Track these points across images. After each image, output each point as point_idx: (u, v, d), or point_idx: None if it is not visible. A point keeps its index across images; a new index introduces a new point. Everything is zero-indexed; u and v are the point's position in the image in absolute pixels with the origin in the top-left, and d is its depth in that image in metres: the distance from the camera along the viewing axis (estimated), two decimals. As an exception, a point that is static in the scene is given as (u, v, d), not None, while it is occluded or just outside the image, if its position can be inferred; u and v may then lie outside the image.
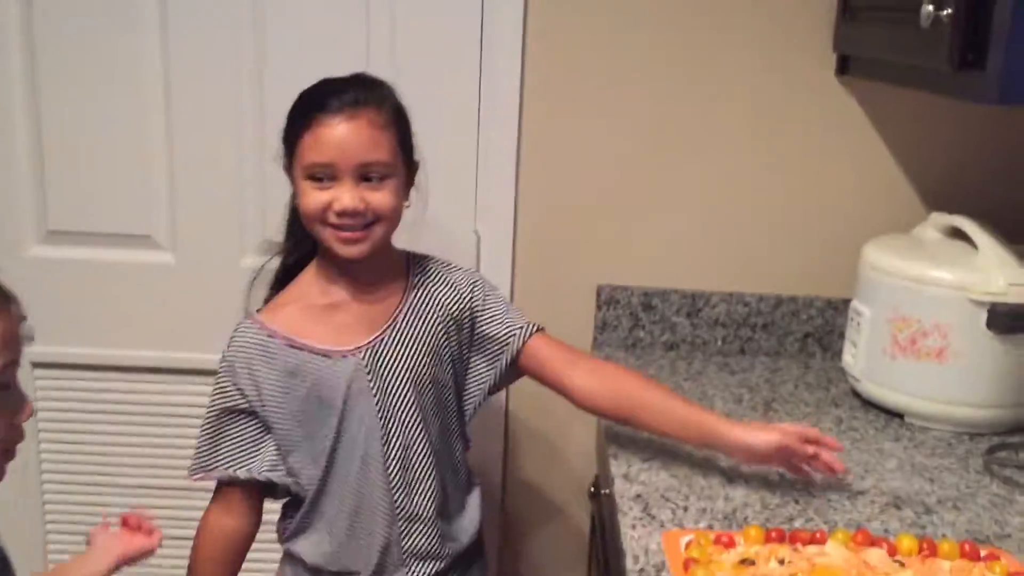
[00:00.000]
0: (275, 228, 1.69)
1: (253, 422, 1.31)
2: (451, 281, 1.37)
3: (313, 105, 1.24)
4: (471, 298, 1.37)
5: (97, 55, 1.67)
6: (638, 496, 1.23)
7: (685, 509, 1.20)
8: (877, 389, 1.50)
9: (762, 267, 1.73)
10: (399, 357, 1.31)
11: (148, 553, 1.28)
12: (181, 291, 1.76)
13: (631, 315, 1.75)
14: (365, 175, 1.24)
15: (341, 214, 1.23)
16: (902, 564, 1.06)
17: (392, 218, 1.28)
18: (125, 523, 1.29)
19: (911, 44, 1.28)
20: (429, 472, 1.33)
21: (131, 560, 1.26)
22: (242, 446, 1.31)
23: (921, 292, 1.42)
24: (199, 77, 1.67)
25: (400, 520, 1.32)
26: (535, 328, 1.37)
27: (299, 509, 1.34)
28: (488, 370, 1.38)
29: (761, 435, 1.22)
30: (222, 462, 1.31)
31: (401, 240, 1.37)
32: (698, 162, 1.70)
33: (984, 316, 1.38)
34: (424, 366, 1.32)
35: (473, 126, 1.69)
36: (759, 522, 1.17)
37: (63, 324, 1.77)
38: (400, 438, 1.31)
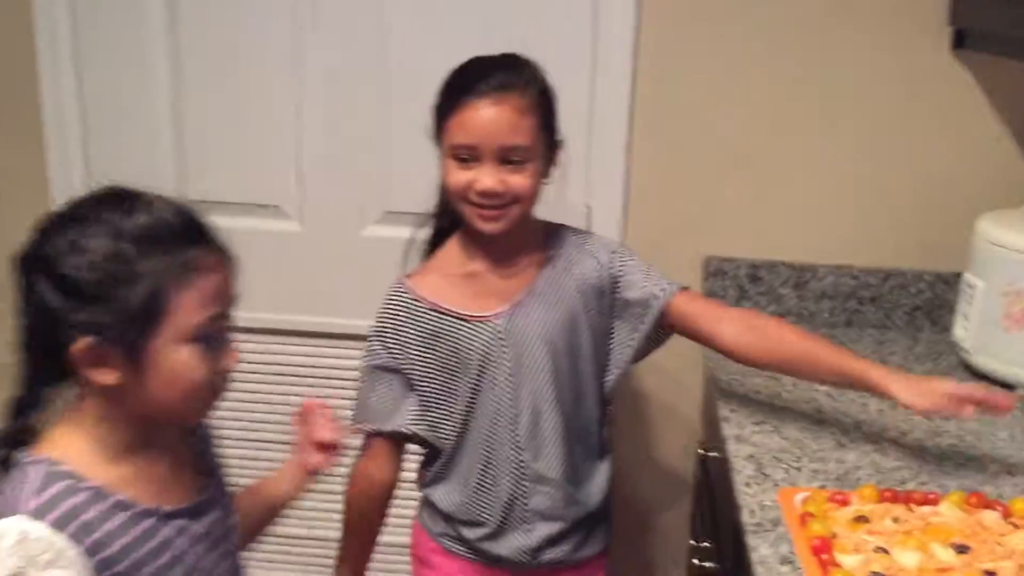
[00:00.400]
0: (396, 201, 1.81)
1: (399, 379, 1.39)
2: (589, 250, 1.41)
3: (461, 87, 1.29)
4: (610, 265, 1.40)
5: (233, 33, 1.77)
6: (751, 456, 1.28)
7: (798, 469, 1.24)
8: (989, 362, 1.51)
9: (870, 240, 1.75)
10: (534, 325, 1.36)
11: (330, 462, 1.28)
12: (306, 258, 1.86)
13: (738, 286, 1.78)
14: (506, 158, 1.28)
15: (482, 194, 1.29)
16: (1015, 526, 1.09)
17: (530, 198, 1.33)
18: (307, 410, 1.30)
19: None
20: (558, 437, 1.38)
21: (318, 471, 1.28)
22: (389, 402, 1.39)
23: (1037, 265, 1.43)
24: (328, 51, 1.76)
25: (526, 480, 1.38)
26: (678, 288, 1.40)
27: (437, 460, 1.42)
28: (631, 334, 1.41)
29: (921, 399, 1.19)
30: (370, 417, 1.40)
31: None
32: (808, 136, 1.72)
33: (1102, 289, 1.39)
34: (559, 334, 1.37)
35: (586, 102, 1.73)
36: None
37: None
38: (531, 402, 1.37)
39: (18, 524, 0.90)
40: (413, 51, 1.75)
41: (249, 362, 1.92)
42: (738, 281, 1.78)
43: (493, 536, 1.40)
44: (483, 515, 1.40)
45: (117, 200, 0.97)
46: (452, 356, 1.37)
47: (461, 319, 1.37)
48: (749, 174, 1.75)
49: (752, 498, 1.17)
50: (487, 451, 1.39)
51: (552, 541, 1.41)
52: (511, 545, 1.41)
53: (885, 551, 1.02)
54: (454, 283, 1.38)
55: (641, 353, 1.43)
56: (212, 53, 1.79)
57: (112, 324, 0.93)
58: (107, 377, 0.95)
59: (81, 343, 0.93)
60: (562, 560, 1.43)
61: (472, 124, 1.27)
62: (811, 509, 1.11)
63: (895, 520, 1.09)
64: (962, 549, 1.03)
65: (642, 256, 1.75)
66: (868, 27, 1.66)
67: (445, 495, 1.42)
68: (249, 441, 1.96)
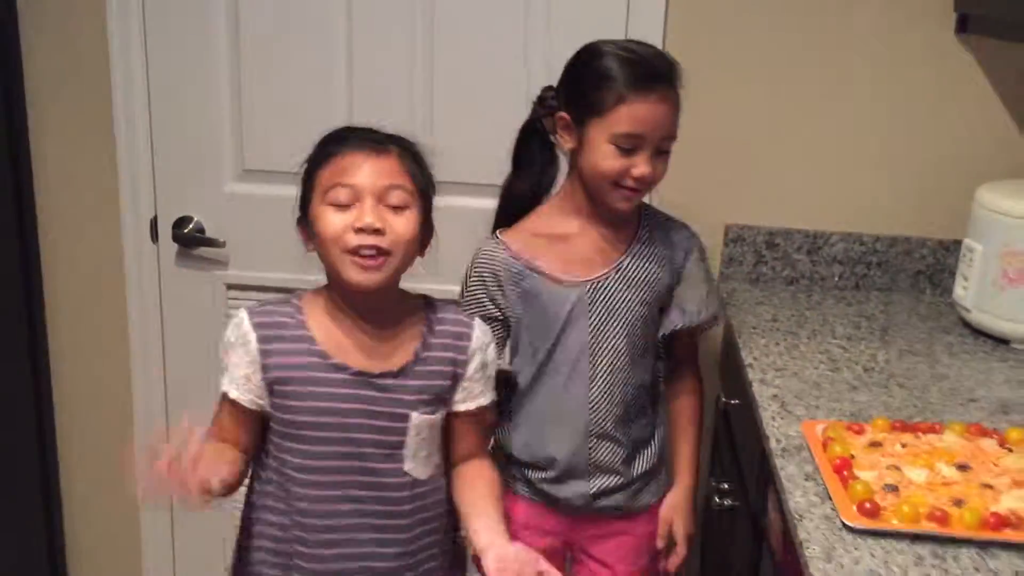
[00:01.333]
0: (453, 172, 1.94)
1: (501, 327, 1.50)
2: (674, 240, 1.53)
3: (634, 77, 1.37)
4: (683, 263, 1.53)
5: (295, 13, 1.91)
6: (774, 396, 1.43)
7: (817, 407, 1.39)
8: (986, 318, 1.66)
9: (879, 210, 1.90)
10: (617, 296, 1.48)
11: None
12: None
13: (755, 252, 1.93)
14: (660, 149, 1.40)
15: (638, 180, 1.39)
16: (1010, 450, 1.24)
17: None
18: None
19: (1030, 3, 1.43)
20: (625, 399, 1.50)
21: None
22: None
23: (1031, 229, 1.58)
24: (375, 32, 1.90)
25: (591, 436, 1.50)
26: (698, 321, 1.53)
27: (510, 400, 1.53)
28: (677, 317, 1.54)
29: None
30: None
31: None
32: (822, 112, 1.87)
33: (1089, 251, 1.54)
34: (637, 307, 1.49)
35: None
36: (882, 418, 1.36)
37: (255, 252, 2.02)
38: (606, 365, 1.48)
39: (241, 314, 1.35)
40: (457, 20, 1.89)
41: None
42: (756, 247, 1.93)
43: (555, 480, 1.52)
44: (545, 462, 1.52)
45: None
46: (539, 313, 1.48)
47: (552, 279, 1.47)
48: (767, 148, 1.90)
49: (778, 430, 1.32)
50: (558, 403, 1.50)
51: (610, 491, 1.53)
52: (571, 490, 1.52)
53: (897, 468, 1.17)
54: (546, 244, 1.49)
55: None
56: (268, 32, 1.93)
57: None
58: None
59: None
60: (619, 507, 1.55)
61: (646, 117, 1.36)
62: (831, 435, 1.26)
63: (904, 446, 1.24)
64: (963, 467, 1.18)
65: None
66: (879, 12, 1.81)
67: (513, 436, 1.54)
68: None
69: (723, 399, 1.77)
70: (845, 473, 1.16)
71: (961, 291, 1.71)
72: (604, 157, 1.39)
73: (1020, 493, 1.13)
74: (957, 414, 1.39)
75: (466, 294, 1.51)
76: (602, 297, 1.48)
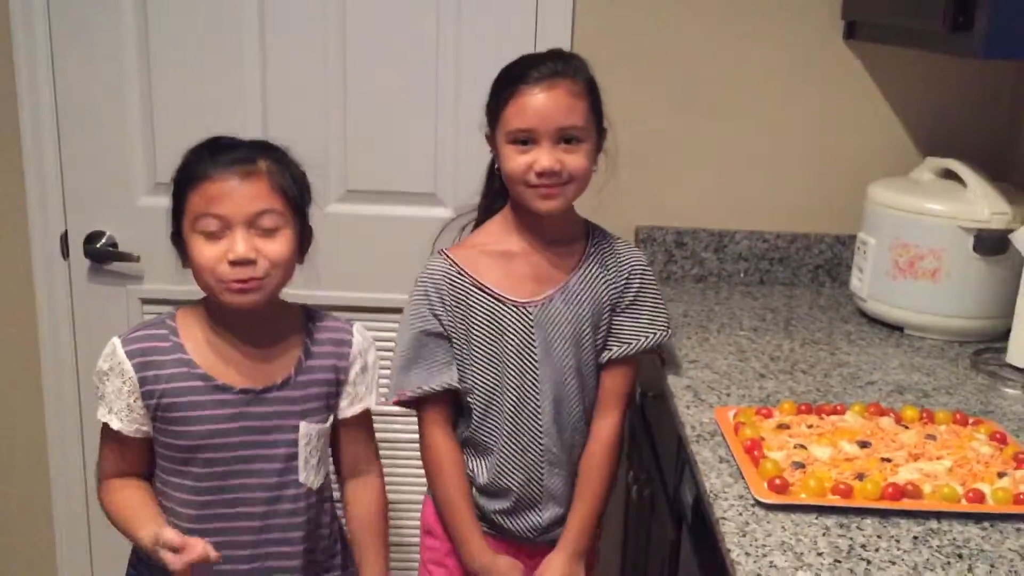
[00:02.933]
0: (356, 180, 1.96)
1: (444, 343, 1.47)
2: (620, 262, 1.51)
3: (515, 77, 1.39)
4: (624, 289, 1.50)
5: (207, 22, 1.91)
6: (688, 386, 1.49)
7: (728, 395, 1.46)
8: (881, 307, 1.76)
9: (779, 208, 1.99)
10: (566, 318, 1.46)
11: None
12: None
13: (666, 251, 2.00)
14: (562, 138, 1.38)
15: (541, 174, 1.37)
16: (906, 427, 1.33)
17: (584, 178, 1.42)
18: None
19: (911, 9, 1.54)
20: (574, 423, 1.50)
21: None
22: (436, 364, 1.47)
23: (918, 222, 1.68)
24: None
25: (543, 463, 1.49)
26: (631, 352, 1.49)
27: (465, 426, 1.51)
28: (607, 343, 1.51)
29: None
30: (414, 381, 1.46)
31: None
32: (723, 118, 1.95)
33: (972, 241, 1.64)
34: (585, 329, 1.48)
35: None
36: (789, 403, 1.43)
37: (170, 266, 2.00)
38: (554, 390, 1.47)
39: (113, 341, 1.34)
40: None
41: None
42: (666, 246, 2.00)
43: (508, 512, 1.51)
44: (501, 490, 1.50)
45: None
46: (486, 331, 1.46)
47: (498, 299, 1.46)
48: (672, 153, 1.98)
49: (692, 417, 1.38)
50: (510, 432, 1.48)
51: (558, 521, 1.53)
52: (523, 523, 1.52)
53: (804, 447, 1.25)
54: (492, 261, 1.47)
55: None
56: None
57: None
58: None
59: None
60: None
61: (529, 108, 1.36)
62: (742, 420, 1.32)
63: (809, 426, 1.32)
64: (864, 444, 1.26)
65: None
66: (771, 21, 1.90)
67: (468, 461, 1.52)
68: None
69: (639, 392, 1.83)
70: (756, 453, 1.23)
71: (857, 282, 1.81)
72: (507, 159, 1.40)
73: (916, 465, 1.22)
74: (857, 396, 1.47)
75: (410, 310, 1.49)
76: (550, 319, 1.47)
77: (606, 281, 1.50)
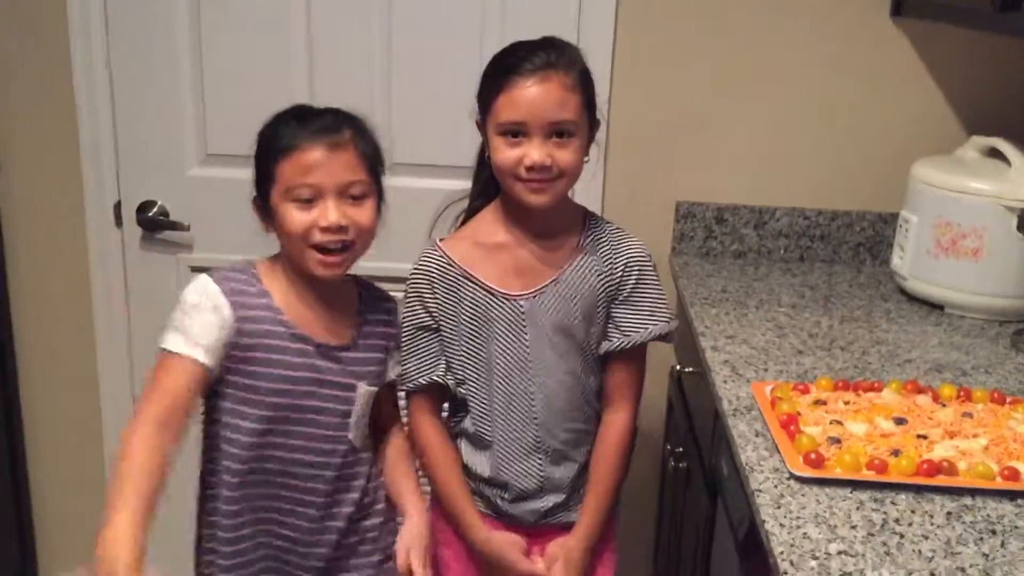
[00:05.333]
0: (401, 152, 1.99)
1: (436, 336, 1.48)
2: (618, 253, 1.47)
3: (508, 67, 1.36)
4: (624, 279, 1.47)
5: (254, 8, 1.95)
6: (725, 361, 1.51)
7: (765, 370, 1.48)
8: (921, 285, 1.77)
9: (821, 185, 1.99)
10: (558, 311, 1.45)
11: None
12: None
13: (705, 227, 2.02)
14: (554, 132, 1.35)
15: (531, 168, 1.35)
16: (943, 405, 1.34)
17: (575, 174, 1.40)
18: None
19: (959, -12, 1.53)
20: (575, 416, 1.49)
21: None
22: (426, 358, 1.48)
23: (961, 200, 1.68)
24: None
25: (539, 453, 1.48)
26: (634, 342, 1.47)
27: (463, 416, 1.52)
28: (608, 334, 1.50)
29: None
30: (412, 374, 1.49)
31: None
32: (767, 94, 1.95)
33: (1015, 220, 1.64)
34: (578, 322, 1.46)
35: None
36: (826, 379, 1.45)
37: (220, 235, 2.06)
38: (547, 382, 1.46)
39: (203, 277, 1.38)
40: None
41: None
42: (706, 222, 2.01)
43: (511, 500, 1.51)
44: (500, 483, 1.50)
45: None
46: (476, 323, 1.46)
47: (489, 292, 1.45)
48: (715, 128, 1.98)
49: (729, 391, 1.40)
50: (504, 424, 1.48)
51: (561, 505, 1.53)
52: (523, 508, 1.52)
53: (840, 423, 1.26)
54: (484, 253, 1.46)
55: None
56: (230, 22, 1.97)
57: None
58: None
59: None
60: (565, 520, 1.53)
61: (521, 101, 1.34)
62: (779, 395, 1.34)
63: (846, 403, 1.33)
64: (900, 421, 1.28)
65: (622, 200, 2.01)
66: (819, -3, 1.90)
67: (468, 453, 1.53)
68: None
69: (677, 367, 1.85)
70: (792, 428, 1.25)
71: (898, 260, 1.81)
72: (497, 151, 1.39)
73: (952, 443, 1.23)
74: (895, 374, 1.48)
75: (404, 305, 1.50)
76: (542, 311, 1.45)
77: (600, 273, 1.47)
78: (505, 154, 1.37)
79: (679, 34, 1.93)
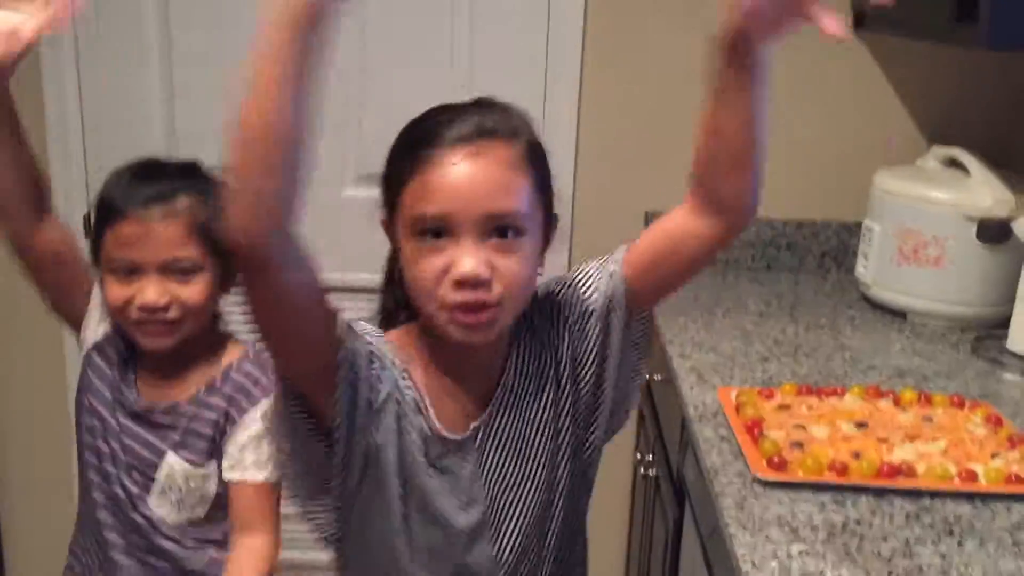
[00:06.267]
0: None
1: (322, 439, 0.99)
2: (549, 313, 1.06)
3: (422, 138, 0.95)
4: (568, 325, 1.06)
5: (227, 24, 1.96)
6: (692, 368, 1.53)
7: (731, 377, 1.50)
8: (884, 293, 1.80)
9: (787, 195, 2.02)
10: (514, 441, 1.03)
11: None
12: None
13: (674, 237, 2.04)
14: (493, 230, 0.94)
15: (461, 283, 0.92)
16: (904, 409, 1.36)
17: (527, 289, 0.99)
18: None
19: (918, 1, 1.56)
20: (549, 558, 1.08)
21: None
22: None
23: (923, 209, 1.71)
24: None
25: None
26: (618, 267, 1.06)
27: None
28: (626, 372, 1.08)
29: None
30: None
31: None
32: (733, 105, 1.98)
33: (975, 228, 1.67)
34: (546, 437, 1.05)
35: (541, 73, 1.97)
36: (791, 385, 1.47)
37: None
38: (518, 535, 1.04)
39: None
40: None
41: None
42: (674, 232, 2.03)
43: None
44: None
45: None
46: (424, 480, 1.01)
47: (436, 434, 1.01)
48: (682, 139, 1.98)
49: (695, 397, 1.42)
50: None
51: None
52: None
53: (803, 427, 1.29)
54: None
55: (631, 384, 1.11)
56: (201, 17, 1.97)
57: None
58: None
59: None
60: None
61: (444, 185, 0.92)
62: (743, 400, 1.36)
63: (809, 408, 1.35)
64: (862, 425, 1.30)
65: (591, 210, 2.02)
66: (783, 10, 1.93)
67: None
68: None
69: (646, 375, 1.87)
70: (756, 432, 1.27)
71: (862, 268, 1.84)
72: (411, 260, 0.96)
73: (912, 446, 1.25)
74: (858, 380, 1.51)
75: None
76: (495, 446, 1.03)
77: (547, 346, 1.06)
78: (422, 265, 0.94)
79: (646, 47, 1.96)
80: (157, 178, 1.24)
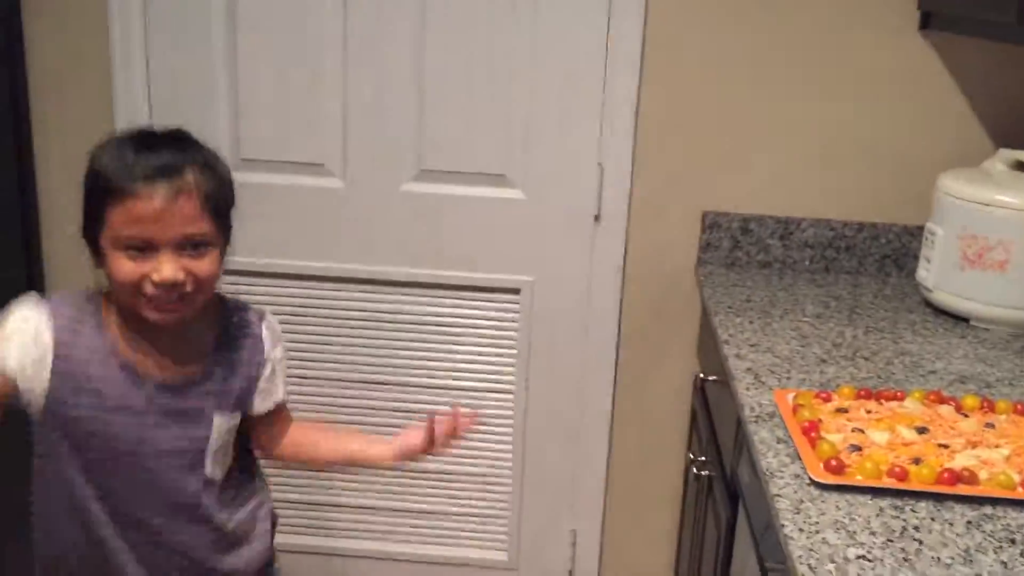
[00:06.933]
0: (431, 159, 2.02)
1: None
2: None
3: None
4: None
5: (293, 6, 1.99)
6: (748, 369, 1.52)
7: (788, 378, 1.49)
8: (947, 297, 1.77)
9: (847, 197, 2.00)
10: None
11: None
12: (348, 212, 2.07)
13: (731, 238, 2.03)
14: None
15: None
16: (966, 415, 1.34)
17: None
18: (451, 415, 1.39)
19: (985, 1, 1.53)
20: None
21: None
22: None
23: (988, 213, 1.68)
24: (372, 27, 1.98)
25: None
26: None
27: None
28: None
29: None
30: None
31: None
32: (794, 105, 1.97)
33: (1041, 233, 1.64)
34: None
35: (600, 75, 1.97)
36: (849, 388, 1.45)
37: (250, 238, 2.09)
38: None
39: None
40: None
41: (299, 305, 2.14)
42: (731, 233, 2.02)
43: None
44: None
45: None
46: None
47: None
48: (741, 139, 2.00)
49: (752, 398, 1.42)
50: None
51: None
52: None
53: (861, 431, 1.27)
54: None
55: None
56: (266, 27, 2.01)
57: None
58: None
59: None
60: None
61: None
62: (801, 402, 1.35)
63: (868, 412, 1.34)
64: (922, 430, 1.28)
65: (649, 211, 2.02)
66: (847, 10, 1.91)
67: None
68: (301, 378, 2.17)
69: (700, 375, 1.86)
70: (813, 435, 1.26)
71: (924, 272, 1.81)
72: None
73: (974, 452, 1.23)
74: (918, 385, 1.49)
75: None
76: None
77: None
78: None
79: (706, 44, 1.95)
80: (156, 150, 1.22)
